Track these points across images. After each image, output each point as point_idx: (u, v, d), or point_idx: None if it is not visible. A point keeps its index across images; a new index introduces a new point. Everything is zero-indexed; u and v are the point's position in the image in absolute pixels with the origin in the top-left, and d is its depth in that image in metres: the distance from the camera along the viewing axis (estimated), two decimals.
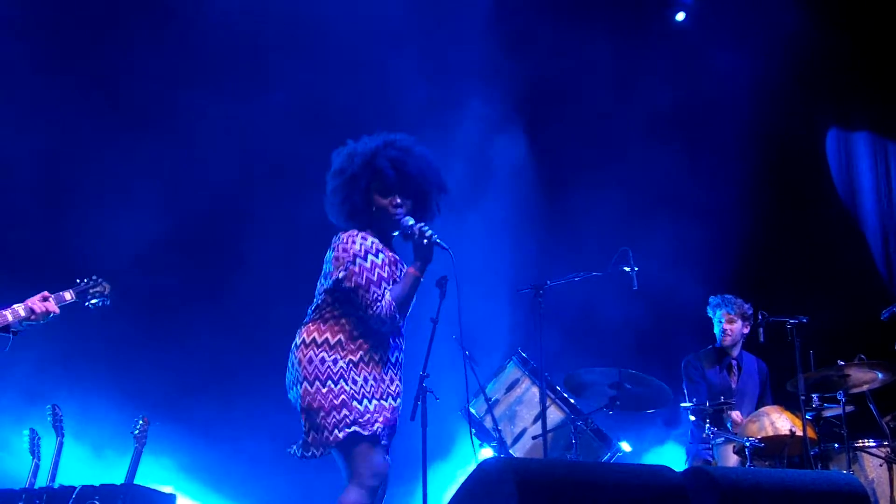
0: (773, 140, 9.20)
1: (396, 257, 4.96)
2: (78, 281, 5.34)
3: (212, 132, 8.20)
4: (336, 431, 4.66)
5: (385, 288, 4.77)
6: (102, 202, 7.96)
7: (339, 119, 7.78)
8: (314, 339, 4.82)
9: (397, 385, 4.89)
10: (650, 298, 7.76)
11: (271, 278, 8.24)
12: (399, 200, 4.93)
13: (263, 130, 8.35)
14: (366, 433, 4.67)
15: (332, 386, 4.73)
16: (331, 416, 4.70)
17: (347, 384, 4.73)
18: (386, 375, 4.82)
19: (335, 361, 4.77)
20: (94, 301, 5.36)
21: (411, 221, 4.89)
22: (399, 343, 4.93)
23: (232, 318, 8.21)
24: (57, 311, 5.09)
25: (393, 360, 4.88)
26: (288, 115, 8.26)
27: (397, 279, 4.89)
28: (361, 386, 4.74)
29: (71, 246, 7.92)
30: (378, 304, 4.74)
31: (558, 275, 6.53)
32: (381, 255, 4.82)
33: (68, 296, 5.22)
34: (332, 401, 4.71)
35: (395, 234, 5.01)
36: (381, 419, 4.74)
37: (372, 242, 4.83)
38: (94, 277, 5.40)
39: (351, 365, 4.77)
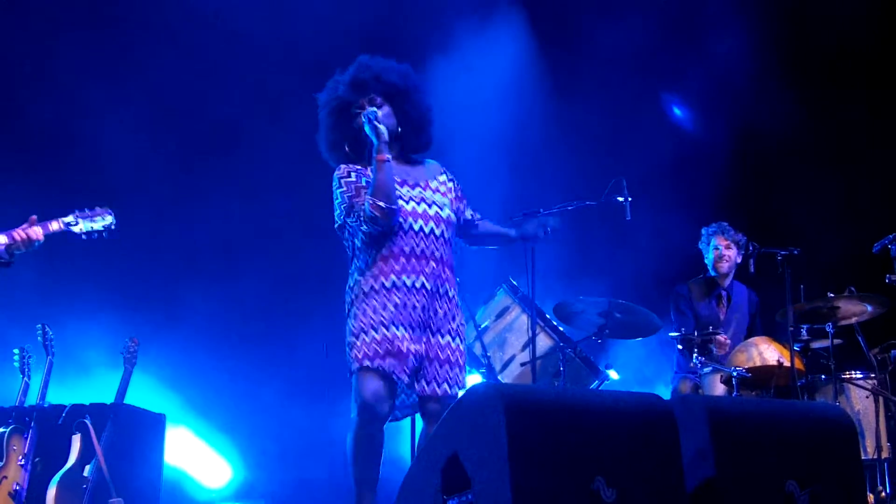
0: (769, 61, 9.09)
1: (399, 179, 4.89)
2: (76, 211, 5.20)
3: (212, 39, 8.13)
4: (355, 363, 4.67)
5: None
6: (94, 117, 7.89)
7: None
8: (350, 281, 4.86)
9: (419, 314, 4.75)
10: (642, 229, 7.74)
11: (268, 197, 8.19)
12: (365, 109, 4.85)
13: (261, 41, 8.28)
14: (364, 364, 4.63)
15: (351, 322, 4.74)
16: (350, 349, 4.72)
17: (359, 318, 4.71)
18: (397, 301, 4.71)
19: (352, 301, 4.78)
20: (92, 232, 5.19)
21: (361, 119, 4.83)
22: (419, 266, 4.78)
23: (227, 236, 8.16)
24: (41, 238, 4.99)
25: (409, 284, 4.74)
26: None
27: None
28: (370, 317, 4.69)
29: (66, 161, 7.87)
30: (361, 200, 4.70)
31: (552, 203, 6.49)
32: (363, 177, 4.80)
33: (56, 224, 5.10)
34: (349, 337, 4.73)
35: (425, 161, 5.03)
36: (381, 350, 4.65)
37: (353, 166, 4.85)
38: (94, 207, 5.25)
39: (362, 296, 4.74)
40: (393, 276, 4.73)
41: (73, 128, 7.86)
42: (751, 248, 6.82)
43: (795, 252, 6.63)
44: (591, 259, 8.45)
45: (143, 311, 7.73)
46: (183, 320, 7.91)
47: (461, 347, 4.91)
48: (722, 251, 7.59)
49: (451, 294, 4.89)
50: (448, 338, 4.84)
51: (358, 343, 4.67)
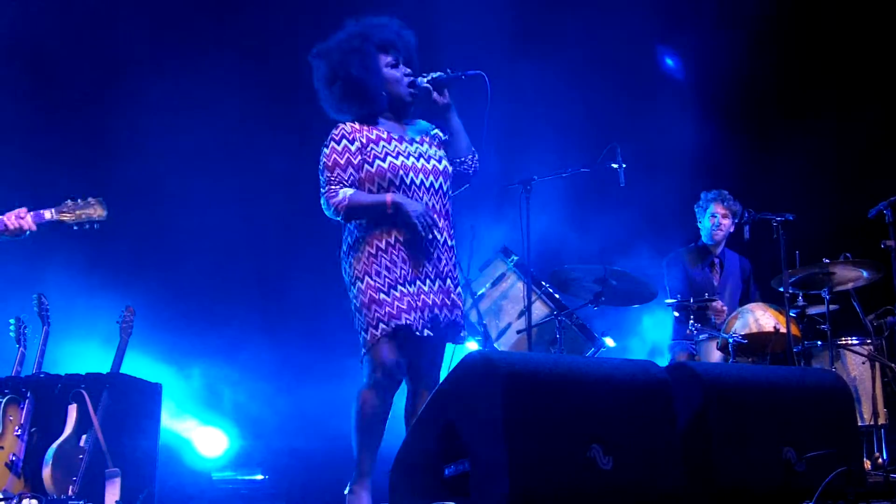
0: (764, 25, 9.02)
1: (396, 135, 4.83)
2: (68, 201, 5.27)
3: None
4: (371, 330, 4.59)
5: (351, 175, 4.66)
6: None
7: None
8: (344, 246, 4.79)
9: (434, 266, 4.70)
10: (637, 195, 7.72)
11: (261, 160, 8.12)
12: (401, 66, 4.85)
13: None
14: (390, 328, 4.57)
15: (360, 284, 4.65)
16: (364, 316, 4.63)
17: (372, 278, 4.63)
18: (412, 258, 4.66)
19: (358, 259, 4.69)
20: (83, 223, 5.30)
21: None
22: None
23: (220, 201, 8.09)
24: (34, 228, 5.07)
25: (416, 238, 4.66)
26: None
27: (395, 153, 4.76)
28: (385, 276, 4.64)
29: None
30: (330, 188, 4.64)
31: (546, 170, 6.47)
32: (357, 141, 4.70)
33: (48, 214, 5.18)
34: (362, 300, 4.64)
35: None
36: (404, 306, 4.60)
37: (351, 127, 4.74)
38: (87, 198, 5.32)
39: (371, 257, 4.66)
40: (395, 232, 4.66)
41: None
42: (746, 214, 6.81)
43: (790, 218, 6.62)
44: (586, 226, 8.42)
45: (139, 280, 7.69)
46: (179, 288, 7.88)
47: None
48: (719, 219, 7.56)
49: (451, 243, 4.84)
50: (459, 287, 4.85)
51: (375, 307, 4.60)
